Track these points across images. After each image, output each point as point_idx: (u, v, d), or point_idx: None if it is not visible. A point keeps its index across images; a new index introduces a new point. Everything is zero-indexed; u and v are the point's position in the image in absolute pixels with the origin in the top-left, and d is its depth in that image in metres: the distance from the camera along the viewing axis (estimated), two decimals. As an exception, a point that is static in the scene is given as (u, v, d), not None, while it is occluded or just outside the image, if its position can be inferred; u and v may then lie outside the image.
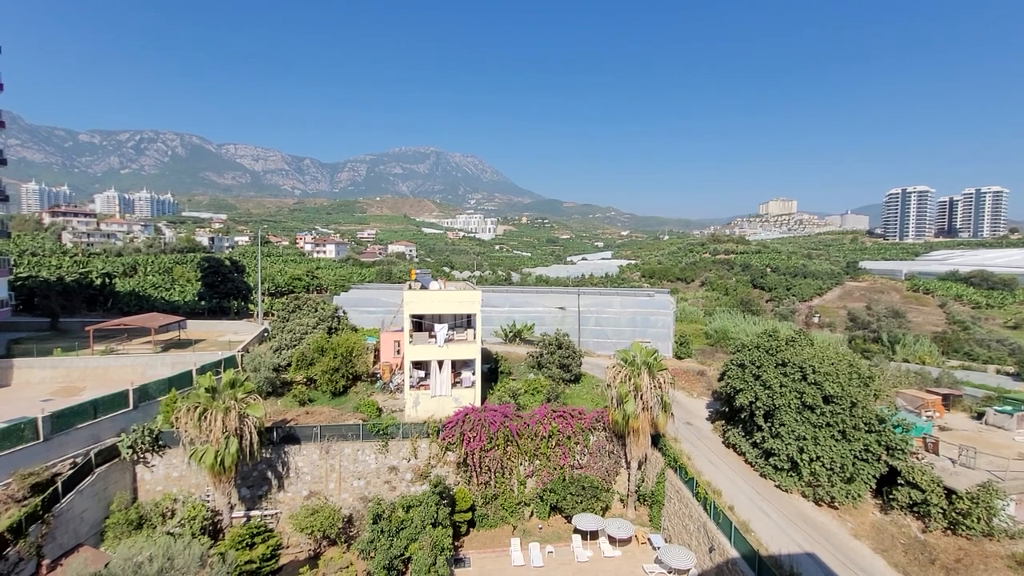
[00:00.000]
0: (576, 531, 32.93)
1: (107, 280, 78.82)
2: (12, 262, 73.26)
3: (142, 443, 31.21)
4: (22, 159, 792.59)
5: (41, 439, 27.86)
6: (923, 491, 27.81)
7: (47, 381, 39.17)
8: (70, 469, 27.97)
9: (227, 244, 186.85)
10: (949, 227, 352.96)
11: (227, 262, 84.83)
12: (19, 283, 64.68)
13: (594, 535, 32.96)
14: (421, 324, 39.53)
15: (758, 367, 33.86)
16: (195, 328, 54.17)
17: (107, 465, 29.83)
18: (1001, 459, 29.94)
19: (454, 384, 38.48)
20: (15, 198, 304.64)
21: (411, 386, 37.63)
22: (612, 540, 32.30)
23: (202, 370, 37.37)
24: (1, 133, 55.68)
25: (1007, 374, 63.90)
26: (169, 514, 30.55)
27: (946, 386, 45.59)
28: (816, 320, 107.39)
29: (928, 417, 37.20)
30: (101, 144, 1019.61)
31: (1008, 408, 37.47)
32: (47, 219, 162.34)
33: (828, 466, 29.44)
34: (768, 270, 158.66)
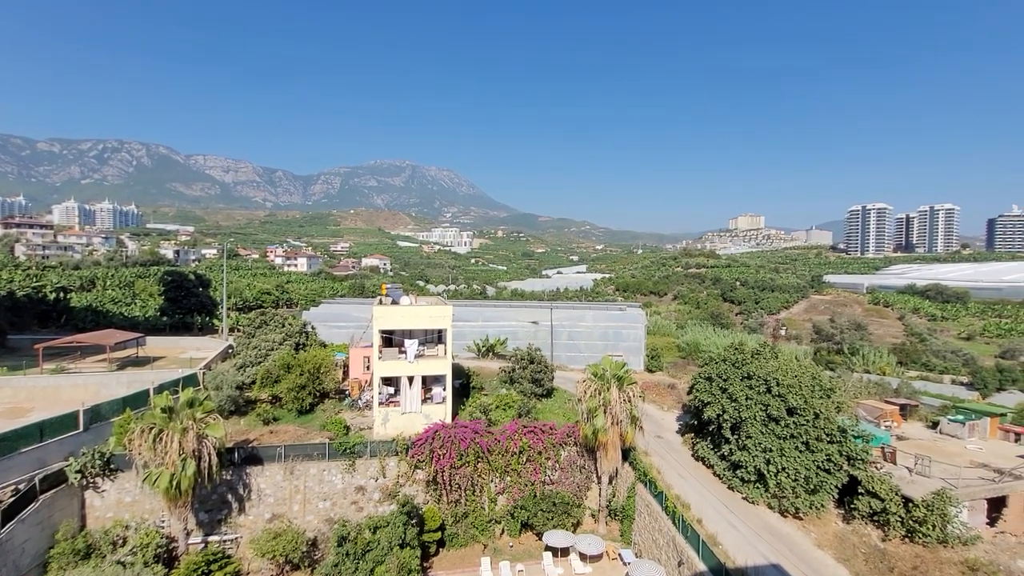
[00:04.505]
0: (547, 548, 32.58)
1: (62, 295, 75.51)
2: (-42, 276, 69.61)
3: (92, 467, 29.61)
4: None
5: (-20, 465, 26.23)
6: (882, 500, 28.60)
7: (-9, 402, 36.98)
8: (11, 496, 26.26)
9: (193, 257, 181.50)
10: (906, 242, 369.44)
11: (192, 276, 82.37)
12: (-35, 298, 61.33)
13: (565, 552, 32.67)
14: (391, 339, 38.99)
15: (725, 380, 34.50)
16: (155, 345, 52.16)
17: (53, 491, 28.14)
18: (954, 467, 31.07)
19: (424, 400, 37.95)
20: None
21: (380, 403, 36.96)
22: (583, 557, 32.05)
23: (160, 389, 35.83)
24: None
25: (961, 384, 66.79)
26: (120, 542, 28.93)
27: (904, 396, 47.29)
28: (783, 332, 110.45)
29: (887, 427, 38.44)
30: (61, 153, 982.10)
31: (960, 417, 38.99)
32: None
33: (793, 477, 30.03)
34: (738, 284, 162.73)
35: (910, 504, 28.17)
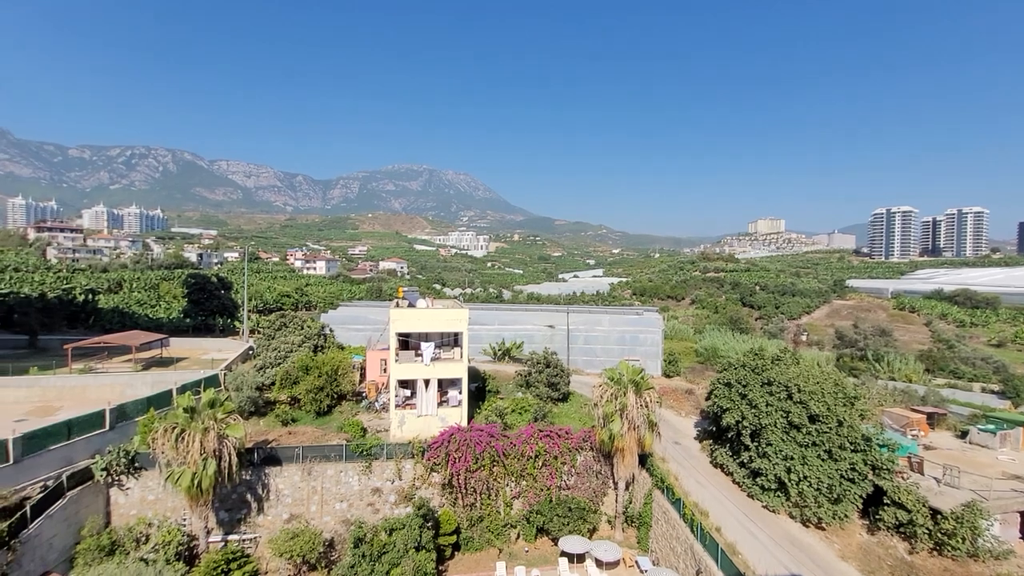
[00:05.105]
0: (563, 554, 32.31)
1: (90, 296, 77.73)
2: (-7, 278, 72.10)
3: (117, 465, 30.37)
4: (9, 173, 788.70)
5: (11, 461, 26.97)
6: (909, 511, 27.74)
7: (22, 401, 38.10)
8: (40, 493, 27.06)
9: (216, 260, 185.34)
10: (933, 246, 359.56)
11: (214, 279, 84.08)
12: (-1, 299, 63.54)
13: (581, 558, 32.36)
14: (408, 342, 39.26)
15: (744, 386, 33.90)
16: (179, 346, 53.32)
17: (79, 488, 28.92)
18: (985, 478, 30.00)
19: (440, 403, 38.08)
20: (0, 213, 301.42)
21: (397, 405, 37.18)
22: (599, 563, 31.69)
23: (183, 389, 36.63)
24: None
25: (992, 392, 64.49)
26: (143, 539, 29.58)
27: (931, 404, 45.90)
28: (804, 338, 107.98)
29: (913, 436, 37.33)
30: (91, 159, 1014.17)
31: (991, 427, 37.68)
32: (32, 234, 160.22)
33: (815, 486, 29.31)
34: (757, 288, 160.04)
35: (938, 516, 27.28)
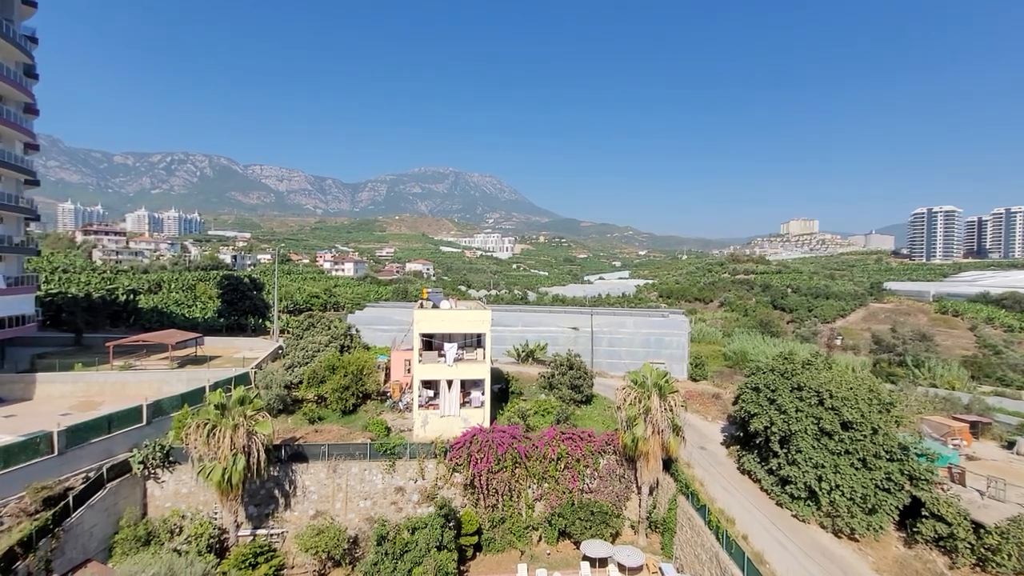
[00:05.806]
0: (585, 558, 32.03)
1: (132, 296, 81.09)
2: (42, 279, 75.98)
3: (153, 459, 31.58)
4: (60, 180, 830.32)
5: (56, 453, 28.42)
6: (949, 524, 26.50)
7: (67, 396, 40.10)
8: (82, 483, 28.37)
9: (249, 262, 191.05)
10: (978, 248, 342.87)
11: (247, 280, 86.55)
12: (48, 299, 66.83)
13: (603, 562, 32.00)
14: (431, 343, 39.60)
15: (773, 391, 32.99)
16: (212, 344, 55.10)
17: (118, 480, 30.18)
18: (1034, 492, 28.43)
19: (463, 404, 38.27)
20: (51, 217, 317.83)
21: (420, 405, 37.56)
22: (622, 568, 31.28)
23: (215, 386, 37.83)
24: (37, 155, 58.26)
25: (1043, 401, 60.96)
26: (177, 531, 30.64)
27: (975, 413, 43.70)
28: (839, 342, 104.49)
29: (955, 446, 35.64)
30: (134, 165, 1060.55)
31: (1041, 438, 35.68)
32: (79, 237, 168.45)
33: (848, 496, 28.28)
34: (789, 291, 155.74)
35: (981, 530, 25.98)
